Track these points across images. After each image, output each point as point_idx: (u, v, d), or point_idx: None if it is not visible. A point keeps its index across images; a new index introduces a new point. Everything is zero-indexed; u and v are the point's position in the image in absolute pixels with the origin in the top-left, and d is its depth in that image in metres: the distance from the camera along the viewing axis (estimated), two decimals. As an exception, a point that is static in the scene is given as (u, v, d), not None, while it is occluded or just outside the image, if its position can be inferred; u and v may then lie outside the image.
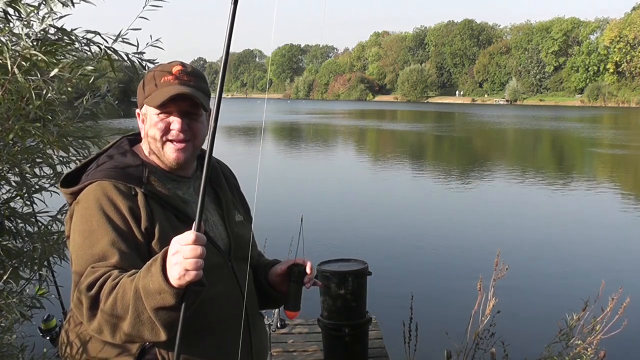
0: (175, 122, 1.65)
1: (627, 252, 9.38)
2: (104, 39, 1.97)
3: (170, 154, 1.67)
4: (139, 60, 2.12)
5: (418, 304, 4.15)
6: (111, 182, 1.59)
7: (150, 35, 2.13)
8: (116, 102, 2.35)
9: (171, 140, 1.66)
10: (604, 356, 3.24)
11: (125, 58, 2.09)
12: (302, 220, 1.77)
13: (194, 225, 1.36)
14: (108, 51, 2.00)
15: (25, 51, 1.77)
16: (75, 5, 2.01)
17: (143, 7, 2.02)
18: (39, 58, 1.77)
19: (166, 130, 1.66)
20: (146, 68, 2.09)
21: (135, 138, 1.79)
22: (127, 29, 2.00)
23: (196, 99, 1.64)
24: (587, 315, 3.46)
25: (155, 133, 1.66)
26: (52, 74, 1.81)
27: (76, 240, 1.56)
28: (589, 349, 3.31)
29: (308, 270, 1.76)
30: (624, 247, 9.67)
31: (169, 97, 1.61)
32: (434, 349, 4.22)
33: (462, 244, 9.60)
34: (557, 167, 21.68)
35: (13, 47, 1.77)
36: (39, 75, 1.79)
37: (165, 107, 1.64)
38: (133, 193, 1.60)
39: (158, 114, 1.65)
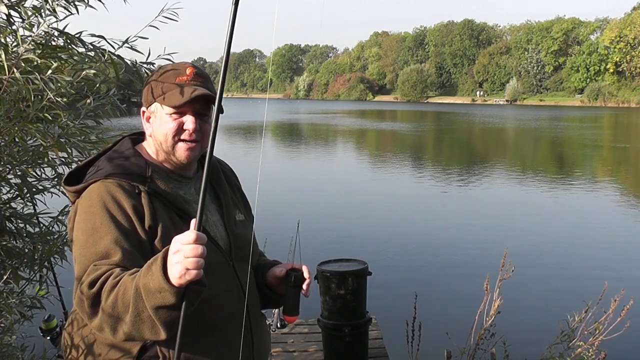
0: (190, 122, 1.66)
1: (629, 253, 9.38)
2: (110, 44, 1.95)
3: (181, 152, 1.67)
4: (147, 71, 2.10)
5: (418, 304, 4.14)
6: (115, 180, 1.60)
7: (164, 48, 2.10)
8: (124, 105, 2.35)
9: (183, 140, 1.67)
10: (604, 357, 3.23)
11: (132, 65, 2.07)
12: (298, 225, 1.76)
13: (194, 224, 1.36)
14: (113, 57, 1.99)
15: (25, 54, 1.76)
16: (79, 9, 1.99)
17: (155, 17, 1.99)
18: (40, 62, 1.76)
19: (179, 129, 1.66)
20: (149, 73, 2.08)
21: (137, 137, 1.79)
22: (134, 36, 1.98)
23: (213, 99, 1.64)
24: (589, 316, 3.46)
25: (167, 132, 1.66)
26: (47, 73, 1.79)
27: (79, 237, 1.56)
28: (590, 351, 3.30)
29: (306, 275, 1.76)
30: (627, 249, 9.66)
31: (192, 97, 1.61)
32: (435, 349, 4.21)
33: (461, 244, 9.59)
34: (560, 167, 21.66)
35: (15, 49, 1.76)
36: (39, 77, 1.78)
37: (180, 107, 1.64)
38: (137, 191, 1.60)
39: (171, 114, 1.66)
